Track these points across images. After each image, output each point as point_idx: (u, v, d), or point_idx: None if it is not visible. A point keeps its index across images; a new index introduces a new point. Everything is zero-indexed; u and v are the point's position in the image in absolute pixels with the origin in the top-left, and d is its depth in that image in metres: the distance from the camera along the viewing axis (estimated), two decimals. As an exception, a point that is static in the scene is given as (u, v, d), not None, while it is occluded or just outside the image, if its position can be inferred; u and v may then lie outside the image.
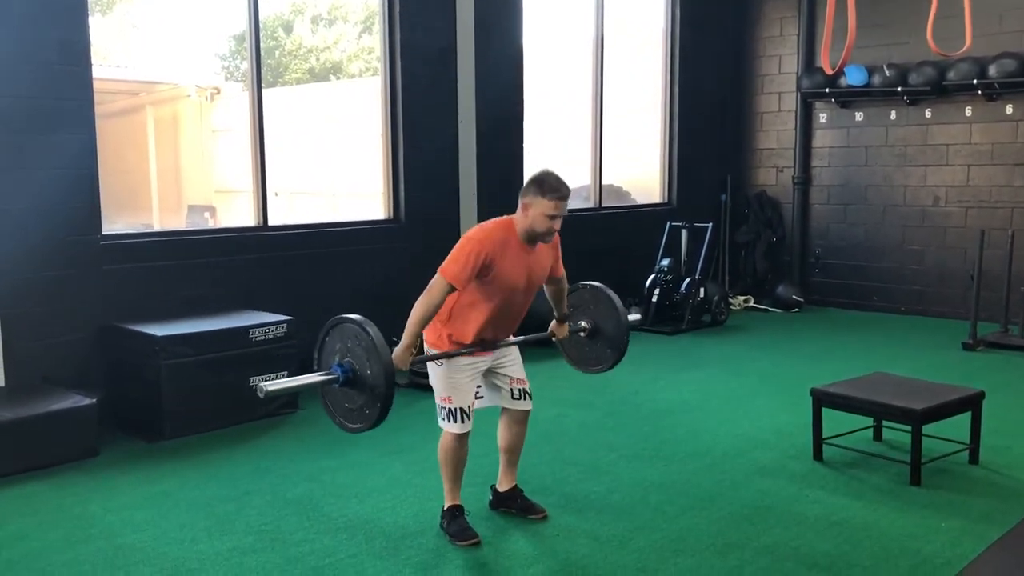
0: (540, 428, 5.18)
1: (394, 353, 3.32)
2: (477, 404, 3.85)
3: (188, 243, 5.87)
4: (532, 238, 3.62)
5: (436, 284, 3.48)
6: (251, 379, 5.35)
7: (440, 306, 3.50)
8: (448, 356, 3.63)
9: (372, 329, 3.23)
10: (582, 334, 4.15)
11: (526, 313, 3.83)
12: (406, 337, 3.42)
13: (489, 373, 3.82)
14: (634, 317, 4.19)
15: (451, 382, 3.65)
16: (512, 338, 3.88)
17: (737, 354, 7.30)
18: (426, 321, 3.48)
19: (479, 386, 3.86)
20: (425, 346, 3.76)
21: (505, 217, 3.68)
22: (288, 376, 5.53)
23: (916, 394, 4.51)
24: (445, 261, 3.52)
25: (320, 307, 6.39)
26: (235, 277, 6.02)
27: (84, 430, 4.75)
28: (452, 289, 3.48)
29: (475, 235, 3.58)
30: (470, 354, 3.67)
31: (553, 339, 4.11)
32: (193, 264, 5.83)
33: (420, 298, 3.47)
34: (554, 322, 4.06)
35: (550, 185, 3.53)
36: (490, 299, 3.61)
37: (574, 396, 5.97)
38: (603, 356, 4.16)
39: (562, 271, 3.91)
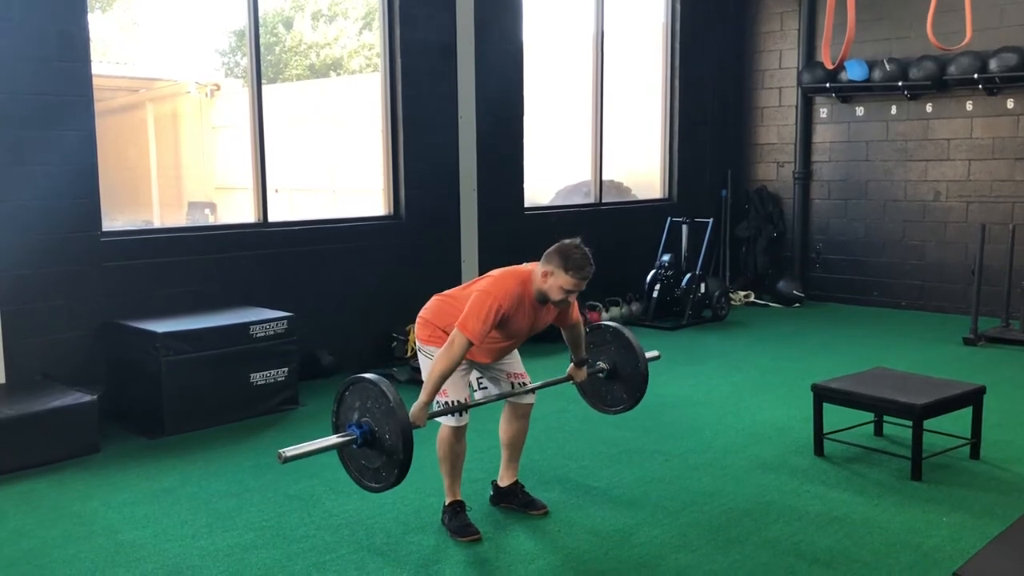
0: (541, 423, 5.18)
1: (411, 410, 3.27)
2: (479, 395, 3.86)
3: (188, 240, 5.87)
4: (544, 300, 3.59)
5: (457, 341, 3.41)
6: (251, 375, 5.37)
7: (460, 362, 3.46)
8: (461, 408, 3.62)
9: (390, 390, 3.18)
10: (600, 375, 4.12)
11: None
12: (424, 394, 3.39)
13: (486, 368, 3.82)
14: (652, 355, 4.14)
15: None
16: (528, 380, 3.89)
17: (738, 349, 7.30)
18: (445, 378, 3.43)
19: (480, 377, 3.86)
20: (418, 342, 3.76)
21: (523, 269, 3.63)
22: (287, 373, 5.54)
23: (917, 389, 4.51)
24: (464, 316, 3.44)
25: (320, 304, 6.42)
26: (235, 274, 6.02)
27: (85, 427, 4.75)
28: (471, 344, 3.44)
29: (495, 291, 3.50)
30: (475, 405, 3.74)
31: (571, 381, 4.07)
32: (193, 261, 5.83)
33: (441, 354, 3.42)
34: (572, 366, 4.00)
35: (575, 263, 3.45)
36: (494, 339, 3.62)
37: (575, 391, 5.95)
38: (621, 399, 4.15)
39: (577, 316, 3.86)
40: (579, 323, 3.89)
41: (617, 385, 4.13)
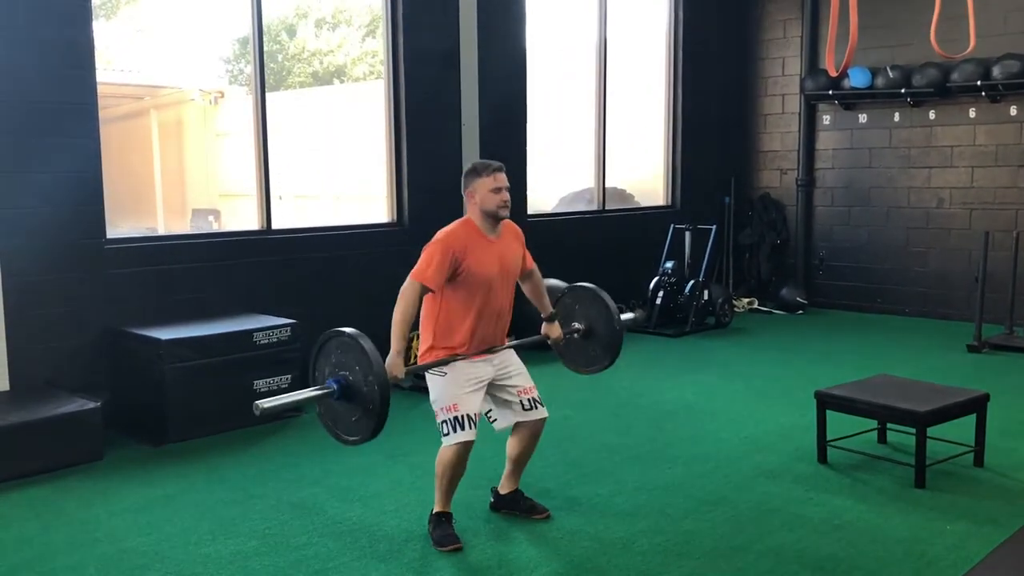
0: (544, 430, 5.17)
1: (387, 362, 3.33)
2: (495, 425, 3.87)
3: (192, 247, 5.88)
4: (491, 220, 3.71)
5: (407, 288, 3.56)
6: (255, 382, 5.37)
7: (415, 309, 3.55)
8: (444, 363, 3.64)
9: (365, 341, 3.23)
10: (576, 335, 4.16)
11: (511, 313, 3.84)
12: (393, 344, 3.48)
13: (495, 388, 3.78)
14: (627, 316, 4.25)
15: (457, 389, 3.64)
16: (508, 343, 3.89)
17: (741, 356, 7.29)
18: (406, 323, 3.52)
19: (490, 409, 3.85)
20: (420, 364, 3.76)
21: (463, 217, 3.79)
22: (290, 380, 5.54)
23: (920, 396, 4.50)
24: (416, 266, 3.60)
25: (324, 310, 6.42)
26: (239, 281, 6.03)
27: (88, 434, 4.76)
28: (425, 290, 3.56)
29: (438, 236, 3.68)
30: (465, 358, 3.67)
31: (548, 341, 4.10)
32: (197, 268, 5.84)
33: (396, 306, 3.54)
34: (544, 323, 4.07)
35: (482, 165, 3.75)
36: (470, 299, 3.64)
37: (578, 398, 5.97)
38: (598, 356, 4.17)
39: (533, 263, 3.97)
40: (536, 270, 4.00)
41: (594, 343, 4.17)
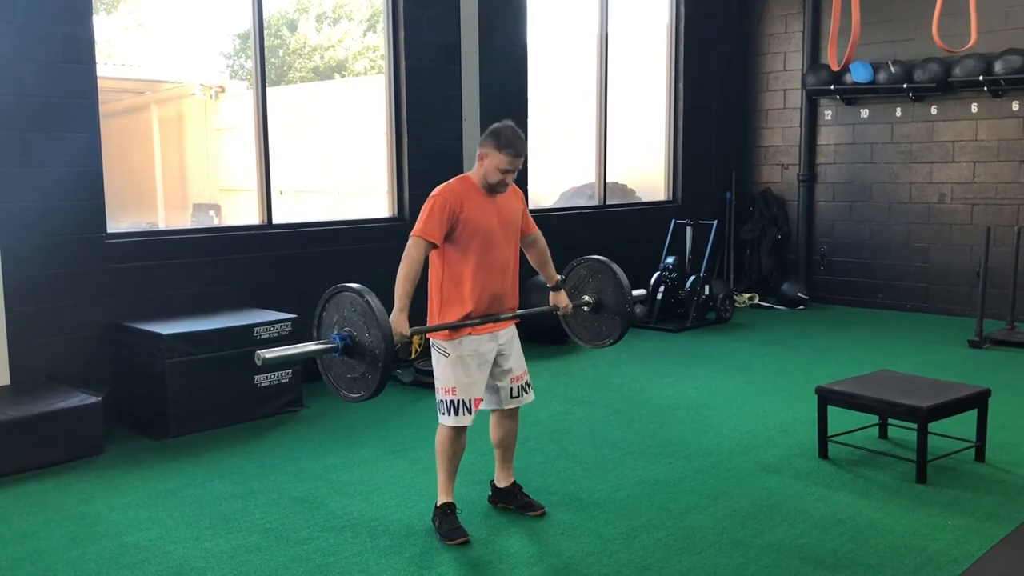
0: (544, 426, 5.18)
1: (390, 319, 3.31)
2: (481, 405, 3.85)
3: (193, 241, 5.88)
4: (489, 188, 3.66)
5: (410, 246, 3.52)
6: (255, 377, 5.37)
7: (419, 266, 3.51)
8: (453, 327, 3.60)
9: (370, 296, 3.23)
10: (586, 308, 4.12)
11: (516, 279, 3.79)
12: (397, 301, 3.46)
13: (492, 368, 3.78)
14: (639, 292, 4.19)
15: (459, 373, 3.64)
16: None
17: (742, 352, 7.29)
18: (410, 281, 3.47)
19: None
20: (429, 339, 3.75)
21: (462, 174, 3.75)
22: (291, 375, 5.54)
23: (922, 392, 4.50)
24: (415, 226, 3.57)
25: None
26: (240, 275, 6.03)
27: (89, 428, 4.76)
28: (429, 246, 3.53)
29: (434, 191, 3.63)
30: (473, 326, 3.63)
31: (557, 312, 4.06)
32: (198, 262, 5.84)
33: (400, 265, 3.50)
34: (551, 293, 4.04)
35: (506, 139, 3.57)
36: (474, 251, 3.60)
37: (579, 394, 5.97)
38: (605, 332, 4.12)
39: (535, 227, 3.94)
40: (539, 235, 3.96)
41: (605, 315, 4.11)
